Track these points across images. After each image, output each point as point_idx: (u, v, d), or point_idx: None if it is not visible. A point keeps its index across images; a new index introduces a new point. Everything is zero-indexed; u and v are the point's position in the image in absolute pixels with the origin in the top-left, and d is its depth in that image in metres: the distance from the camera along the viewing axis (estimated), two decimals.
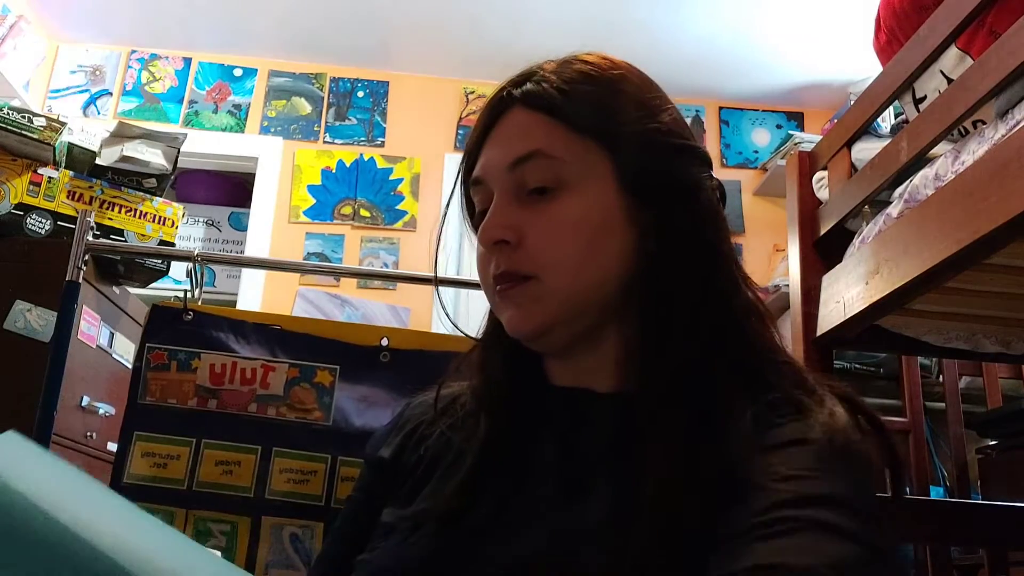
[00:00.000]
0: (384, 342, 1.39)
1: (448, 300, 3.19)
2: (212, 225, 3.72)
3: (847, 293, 1.29)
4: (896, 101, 1.34)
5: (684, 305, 0.64)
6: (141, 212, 1.99)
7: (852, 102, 1.55)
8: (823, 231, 1.46)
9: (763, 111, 3.60)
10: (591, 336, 0.67)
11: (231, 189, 3.78)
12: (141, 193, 2.00)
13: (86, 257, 1.55)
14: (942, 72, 1.19)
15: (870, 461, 0.59)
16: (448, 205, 0.76)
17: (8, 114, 1.87)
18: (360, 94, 3.49)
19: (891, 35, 1.35)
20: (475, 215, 0.73)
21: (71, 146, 1.97)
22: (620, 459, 0.61)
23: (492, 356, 0.72)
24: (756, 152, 3.55)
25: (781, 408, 0.59)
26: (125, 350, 2.05)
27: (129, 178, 2.00)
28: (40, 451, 0.54)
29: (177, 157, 2.07)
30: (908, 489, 2.27)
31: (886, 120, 1.51)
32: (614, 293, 0.65)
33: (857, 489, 0.55)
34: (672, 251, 0.65)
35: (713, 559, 0.52)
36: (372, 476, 0.76)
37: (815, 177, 1.53)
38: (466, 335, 0.78)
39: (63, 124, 1.93)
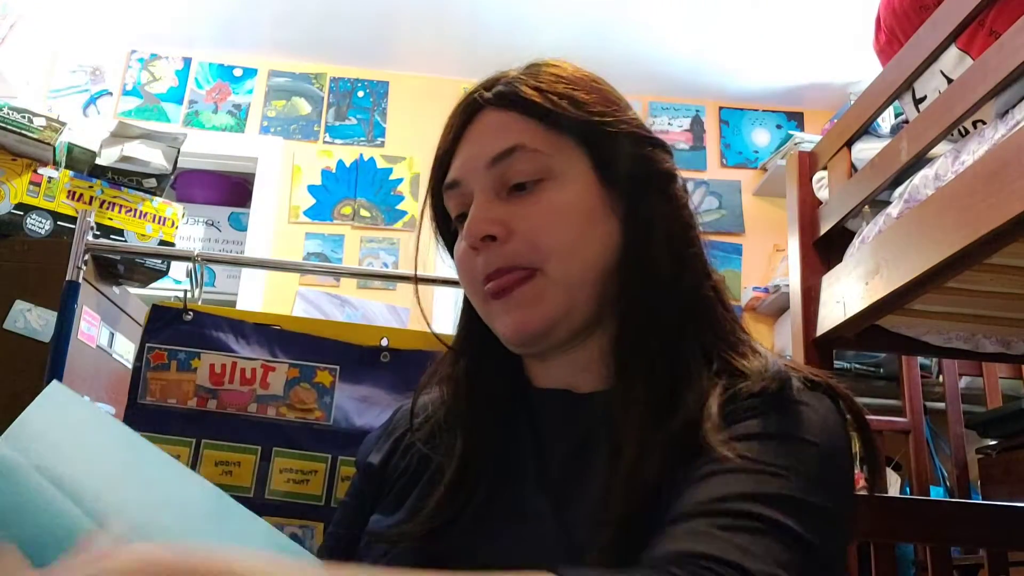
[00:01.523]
0: (384, 342, 1.39)
1: (448, 300, 3.19)
2: (212, 225, 3.72)
3: (847, 293, 1.29)
4: (896, 101, 1.34)
5: (664, 291, 0.65)
6: (141, 212, 1.98)
7: (852, 102, 1.55)
8: (823, 231, 1.46)
9: (763, 111, 3.60)
10: (578, 334, 0.67)
11: (231, 189, 3.78)
12: (141, 193, 2.00)
13: (86, 257, 1.55)
14: (942, 72, 1.19)
15: (838, 455, 0.58)
16: (425, 204, 0.76)
17: (8, 114, 1.87)
18: (360, 94, 3.49)
19: (891, 35, 1.35)
20: (448, 222, 0.73)
21: (71, 146, 1.97)
22: (599, 462, 0.61)
23: (467, 366, 0.72)
24: (756, 152, 3.55)
25: (750, 398, 0.59)
26: (125, 350, 2.05)
27: (129, 178, 2.00)
28: (80, 406, 0.56)
29: (177, 157, 2.06)
30: (908, 489, 2.27)
31: (886, 120, 1.51)
32: (603, 285, 0.66)
33: (815, 488, 0.54)
34: (651, 239, 0.66)
35: (668, 531, 0.52)
36: (362, 482, 0.76)
37: (815, 177, 1.53)
38: (441, 339, 0.78)
39: (63, 124, 1.93)
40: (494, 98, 0.69)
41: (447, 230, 0.74)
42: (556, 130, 0.67)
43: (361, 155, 3.40)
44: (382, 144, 3.43)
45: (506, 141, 0.67)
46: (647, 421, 0.59)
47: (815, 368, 0.64)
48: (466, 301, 0.74)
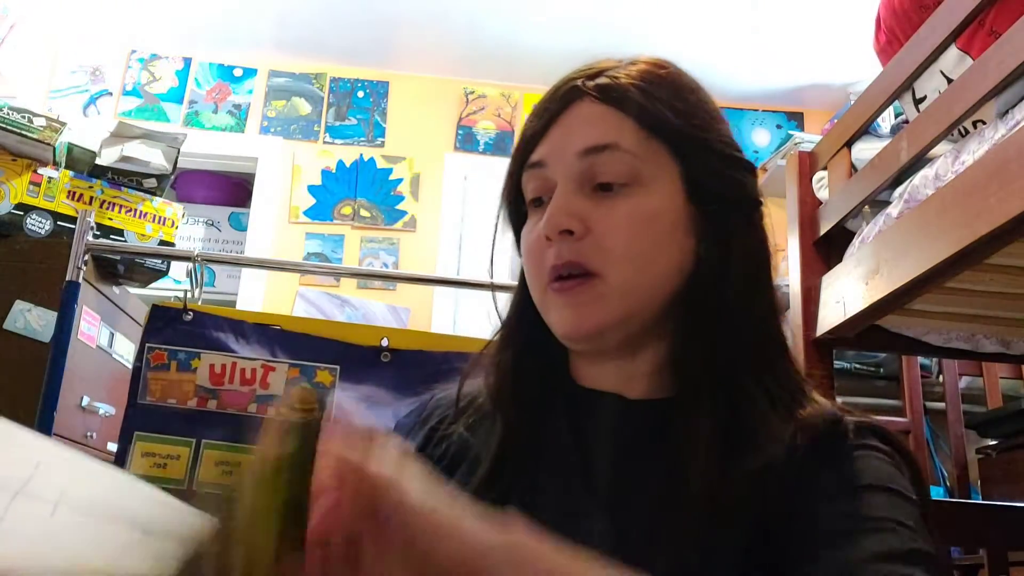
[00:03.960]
0: (384, 342, 1.39)
1: (448, 300, 3.19)
2: (212, 225, 3.72)
3: (847, 293, 1.29)
4: (896, 101, 1.34)
5: (731, 318, 0.64)
6: (141, 212, 1.98)
7: (852, 102, 1.55)
8: (823, 231, 1.46)
9: (763, 111, 3.60)
10: (634, 342, 0.66)
11: (231, 189, 3.78)
12: (141, 193, 2.00)
13: (86, 257, 1.55)
14: (942, 72, 1.19)
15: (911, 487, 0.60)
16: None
17: (8, 114, 1.87)
18: (360, 94, 3.49)
19: (891, 35, 1.35)
20: (518, 203, 0.71)
21: (71, 146, 1.97)
22: (651, 467, 0.61)
23: (511, 354, 0.71)
24: (756, 152, 3.55)
25: (834, 443, 0.60)
26: (125, 350, 2.05)
27: (129, 178, 2.00)
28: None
29: (177, 157, 2.07)
30: None
31: (886, 120, 1.51)
32: (667, 299, 0.65)
33: (924, 536, 0.57)
34: (727, 265, 0.65)
35: None
36: None
37: (815, 177, 1.53)
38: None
39: (63, 124, 1.93)
40: (595, 90, 0.67)
41: (516, 211, 0.73)
42: (652, 135, 0.65)
43: (361, 155, 3.40)
44: (382, 144, 3.43)
45: (602, 136, 0.65)
46: (713, 441, 0.59)
47: (861, 415, 0.66)
48: (521, 289, 0.73)
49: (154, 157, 2.00)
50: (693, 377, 0.63)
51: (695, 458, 0.58)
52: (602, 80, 0.67)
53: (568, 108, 0.68)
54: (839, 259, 1.39)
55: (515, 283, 0.73)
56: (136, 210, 1.98)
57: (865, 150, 1.42)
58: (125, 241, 1.95)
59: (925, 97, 1.26)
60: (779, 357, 0.66)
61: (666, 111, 0.66)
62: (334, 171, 3.36)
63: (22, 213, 1.86)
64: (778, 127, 3.59)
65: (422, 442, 0.74)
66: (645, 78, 0.67)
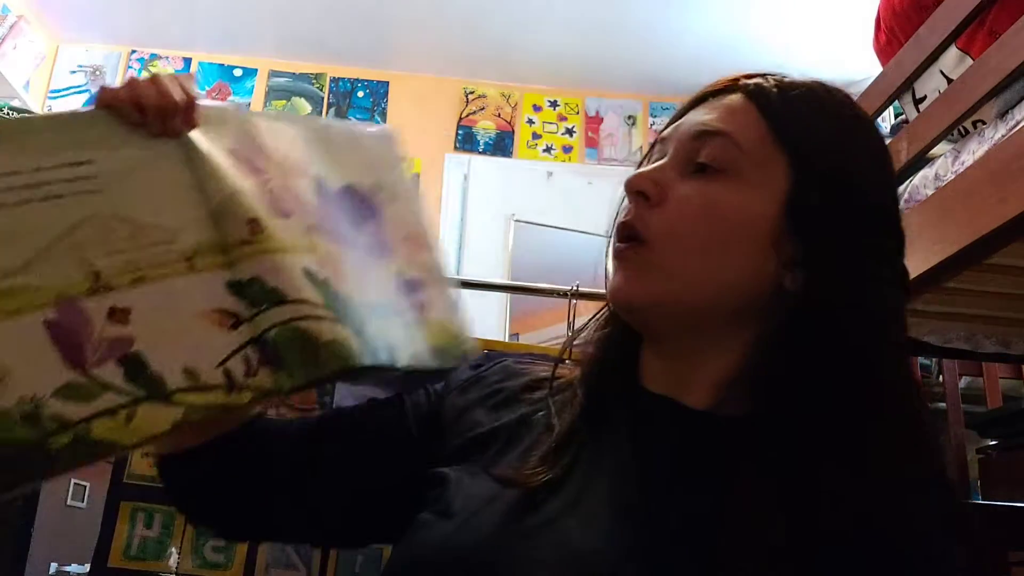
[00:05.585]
0: None
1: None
2: None
3: None
4: (896, 101, 1.34)
5: (805, 365, 0.59)
6: None
7: None
8: None
9: None
10: (693, 344, 0.64)
11: None
12: None
13: None
14: (942, 72, 1.19)
15: None
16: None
17: (8, 114, 1.87)
18: (360, 94, 3.49)
19: (891, 35, 1.35)
20: None
21: None
22: (697, 480, 0.60)
23: (606, 336, 0.70)
24: None
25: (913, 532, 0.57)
26: None
27: None
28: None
29: None
30: None
31: (886, 120, 1.51)
32: (725, 308, 0.62)
33: None
34: (815, 301, 0.59)
35: None
36: (430, 407, 0.75)
37: None
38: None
39: None
40: (744, 87, 0.66)
41: None
42: (776, 138, 0.62)
43: None
44: None
45: (720, 123, 0.63)
46: (766, 499, 0.56)
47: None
48: None
49: None
50: (758, 401, 0.59)
51: (741, 503, 0.56)
52: (756, 79, 0.66)
53: (716, 96, 0.67)
54: None
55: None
56: None
57: None
58: None
59: (925, 97, 1.26)
60: (881, 429, 0.59)
61: (800, 121, 0.63)
62: None
63: None
64: None
65: (473, 402, 0.72)
66: (797, 88, 0.66)
